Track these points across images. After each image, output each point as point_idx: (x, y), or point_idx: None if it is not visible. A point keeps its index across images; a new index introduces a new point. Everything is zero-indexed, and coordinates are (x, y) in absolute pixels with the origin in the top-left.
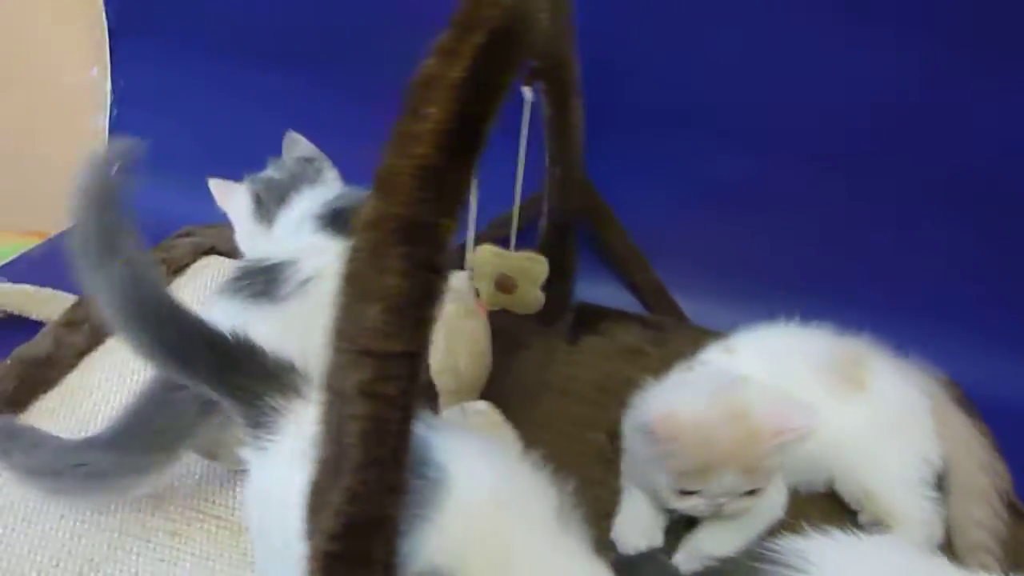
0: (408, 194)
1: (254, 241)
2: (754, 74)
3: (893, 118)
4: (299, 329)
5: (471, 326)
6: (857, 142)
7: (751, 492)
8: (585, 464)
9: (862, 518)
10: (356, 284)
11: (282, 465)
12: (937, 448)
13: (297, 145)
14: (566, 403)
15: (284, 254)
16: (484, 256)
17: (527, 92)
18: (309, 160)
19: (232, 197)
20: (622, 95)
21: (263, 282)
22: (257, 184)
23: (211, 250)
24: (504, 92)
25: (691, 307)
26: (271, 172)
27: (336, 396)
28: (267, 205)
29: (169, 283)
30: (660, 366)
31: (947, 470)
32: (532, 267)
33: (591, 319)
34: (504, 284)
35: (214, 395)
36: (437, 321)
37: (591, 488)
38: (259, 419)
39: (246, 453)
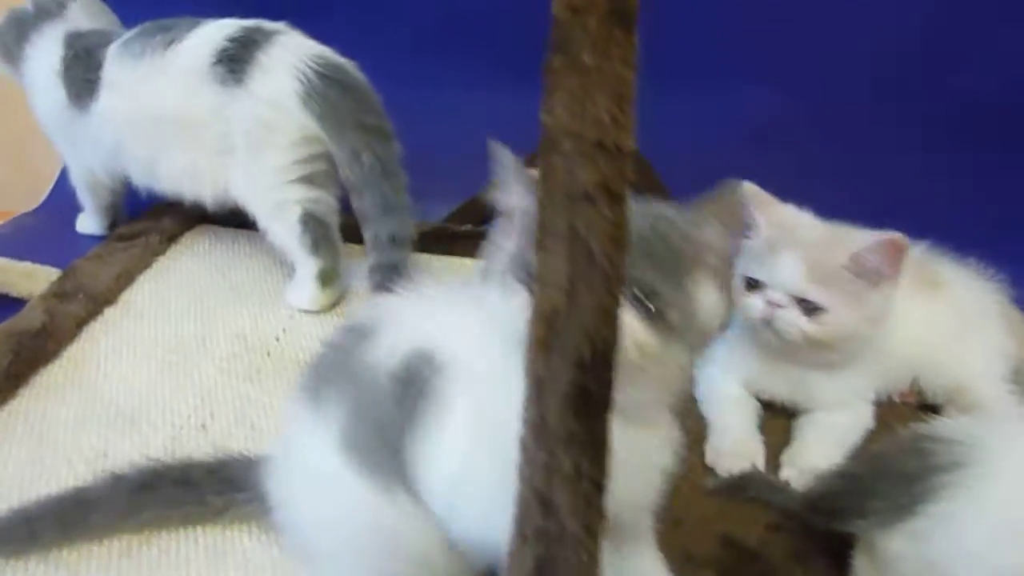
0: None
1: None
2: (772, 11)
3: (909, 46)
4: None
5: None
6: (874, 71)
7: (811, 312)
8: None
9: (947, 414)
10: (579, 74)
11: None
12: (1011, 343)
13: None
14: None
15: None
16: None
17: None
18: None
19: None
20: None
21: None
22: None
23: (203, 219)
24: None
25: None
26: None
27: (567, 203)
28: (6, 44)
29: (164, 251)
30: None
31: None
32: None
33: None
34: None
35: None
36: None
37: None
38: None
39: None
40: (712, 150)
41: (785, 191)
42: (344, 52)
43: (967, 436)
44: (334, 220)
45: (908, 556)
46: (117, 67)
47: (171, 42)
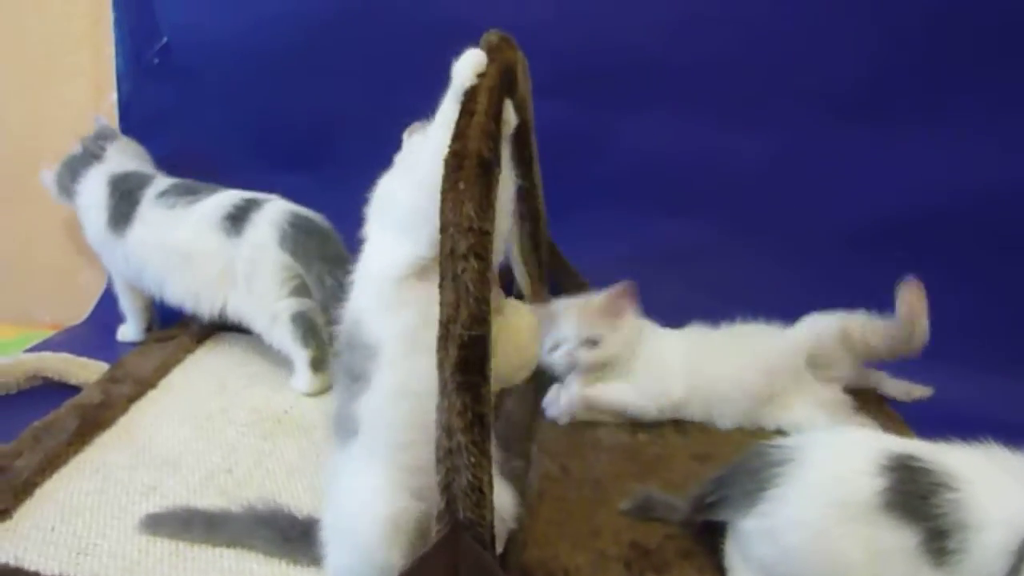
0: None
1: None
2: (688, 153)
3: (805, 184)
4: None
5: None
6: (772, 204)
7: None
8: None
9: None
10: (455, 192)
11: None
12: None
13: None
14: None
15: None
16: None
17: None
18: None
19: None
20: (579, 174)
21: None
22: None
23: (224, 327)
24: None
25: None
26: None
27: (452, 259)
28: (63, 182)
29: (193, 350)
30: None
31: None
32: None
33: None
34: None
35: None
36: None
37: None
38: None
39: None
40: (632, 267)
41: (699, 305)
42: None
43: (793, 440)
44: (320, 320)
45: (758, 531)
46: (151, 209)
47: (194, 200)
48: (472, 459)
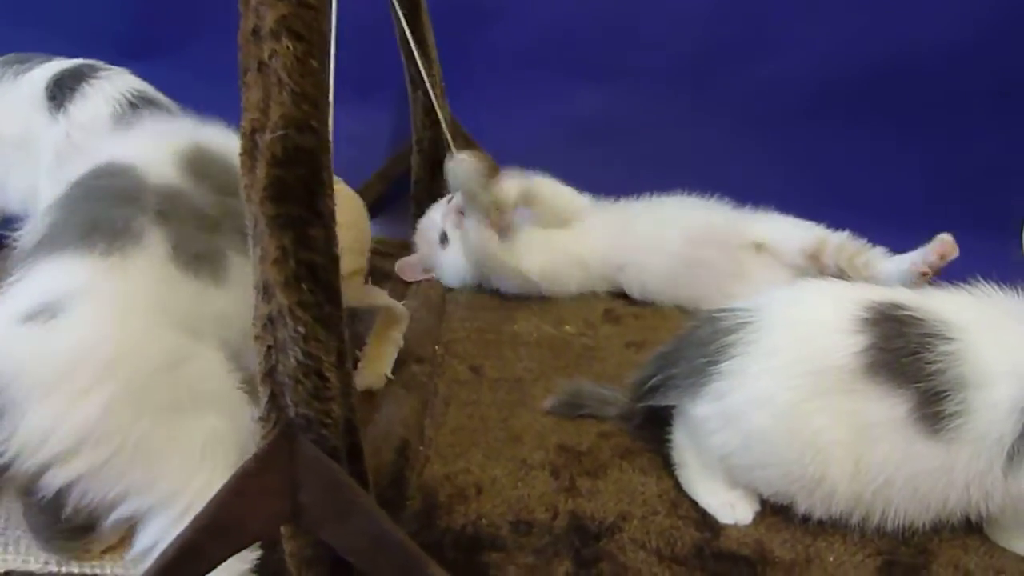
0: None
1: None
2: (599, 10)
3: (719, 40)
4: None
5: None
6: (689, 67)
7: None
8: None
9: None
10: None
11: None
12: None
13: None
14: None
15: None
16: None
17: None
18: None
19: None
20: (480, 40)
21: None
22: None
23: None
24: None
25: None
26: None
27: (256, 41)
28: None
29: None
30: None
31: None
32: None
33: None
34: None
35: None
36: None
37: None
38: None
39: None
40: (541, 142)
41: (607, 179)
42: None
43: (747, 303)
44: None
45: (713, 415)
46: None
47: (22, 72)
48: (302, 328)
